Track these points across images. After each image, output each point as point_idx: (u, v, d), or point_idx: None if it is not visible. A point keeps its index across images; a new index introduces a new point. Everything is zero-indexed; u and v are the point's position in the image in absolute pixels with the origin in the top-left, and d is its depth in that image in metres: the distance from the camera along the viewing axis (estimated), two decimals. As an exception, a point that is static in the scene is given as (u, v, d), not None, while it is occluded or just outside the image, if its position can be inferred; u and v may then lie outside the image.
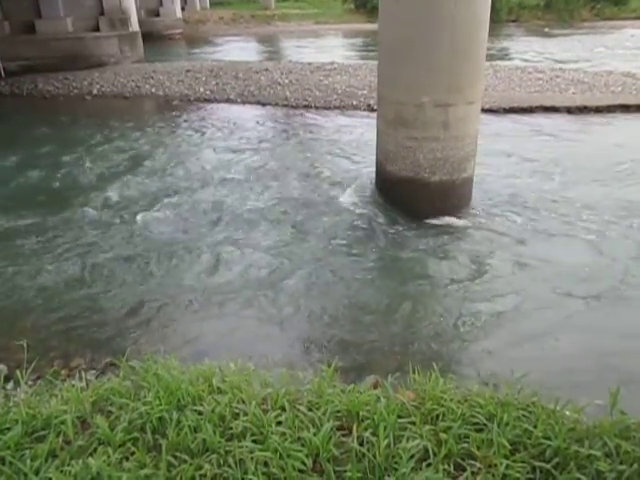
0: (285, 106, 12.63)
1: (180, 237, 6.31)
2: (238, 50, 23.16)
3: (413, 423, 2.20)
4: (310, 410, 2.28)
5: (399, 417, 2.22)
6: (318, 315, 4.82)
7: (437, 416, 2.25)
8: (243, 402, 2.32)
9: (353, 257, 5.79)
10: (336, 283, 5.30)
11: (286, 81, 14.25)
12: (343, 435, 2.18)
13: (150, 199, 7.42)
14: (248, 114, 12.30)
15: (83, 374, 2.98)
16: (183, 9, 32.10)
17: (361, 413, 2.26)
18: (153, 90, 14.39)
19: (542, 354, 4.20)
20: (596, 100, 11.73)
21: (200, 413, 2.25)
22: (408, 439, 2.09)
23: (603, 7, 31.64)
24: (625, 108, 11.37)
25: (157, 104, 13.70)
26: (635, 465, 1.97)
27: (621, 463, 2.00)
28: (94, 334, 4.57)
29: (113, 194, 7.64)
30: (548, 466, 2.01)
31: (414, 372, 2.59)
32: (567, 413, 2.30)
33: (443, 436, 2.12)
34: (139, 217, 6.87)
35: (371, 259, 5.78)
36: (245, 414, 2.23)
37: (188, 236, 6.33)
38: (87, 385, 2.64)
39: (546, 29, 27.48)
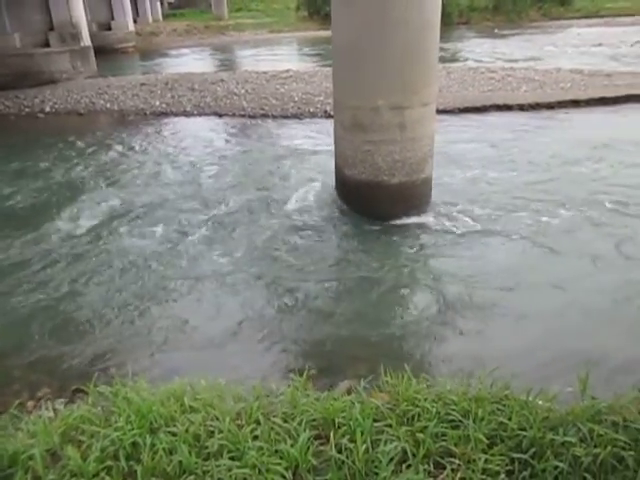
0: (242, 116, 12.55)
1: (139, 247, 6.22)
2: (193, 61, 22.95)
3: (389, 426, 2.20)
4: (285, 421, 2.25)
5: (375, 421, 2.22)
6: (281, 313, 4.90)
7: (413, 417, 2.26)
8: (217, 419, 2.28)
9: (317, 260, 5.80)
10: (298, 288, 5.30)
11: (242, 91, 14.18)
12: (321, 444, 2.16)
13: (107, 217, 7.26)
14: (205, 126, 12.16)
15: (50, 404, 2.87)
16: (135, 22, 31.58)
17: (337, 420, 2.25)
18: (108, 105, 14.09)
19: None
20: (547, 97, 12.12)
21: (174, 434, 2.20)
22: (386, 442, 2.09)
23: (550, 7, 32.85)
24: (575, 103, 11.78)
25: (112, 119, 13.40)
26: (609, 447, 2.02)
27: (595, 447, 2.05)
28: (59, 360, 4.41)
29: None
30: (526, 456, 2.04)
31: (386, 374, 2.59)
32: (540, 402, 2.34)
33: (420, 436, 2.13)
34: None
35: (333, 261, 5.84)
36: (220, 431, 2.19)
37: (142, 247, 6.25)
38: (55, 415, 2.54)
39: (496, 30, 28.25)
